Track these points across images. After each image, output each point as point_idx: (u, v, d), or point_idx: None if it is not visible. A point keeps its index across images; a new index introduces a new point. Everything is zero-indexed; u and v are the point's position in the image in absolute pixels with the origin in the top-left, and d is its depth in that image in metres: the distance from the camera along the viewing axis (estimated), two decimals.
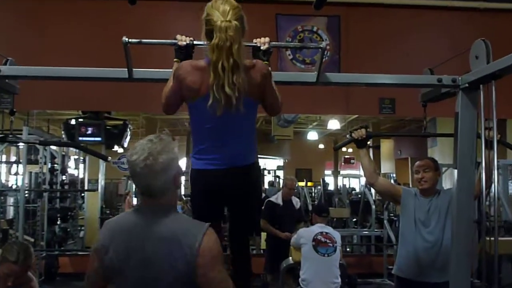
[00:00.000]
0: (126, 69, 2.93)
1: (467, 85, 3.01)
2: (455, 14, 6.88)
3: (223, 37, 2.36)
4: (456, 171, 3.10)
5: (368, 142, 3.96)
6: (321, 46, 2.84)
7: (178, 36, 2.69)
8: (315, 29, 7.15)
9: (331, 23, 7.19)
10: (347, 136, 14.26)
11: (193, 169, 2.64)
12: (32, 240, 7.47)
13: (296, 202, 6.98)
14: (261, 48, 2.69)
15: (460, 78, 3.05)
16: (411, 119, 13.42)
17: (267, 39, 2.72)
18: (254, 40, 2.73)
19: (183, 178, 6.77)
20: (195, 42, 2.68)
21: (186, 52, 2.68)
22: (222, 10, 2.43)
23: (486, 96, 2.89)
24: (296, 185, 7.27)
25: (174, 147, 2.10)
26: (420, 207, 3.92)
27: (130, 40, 2.74)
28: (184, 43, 2.66)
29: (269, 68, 2.64)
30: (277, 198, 6.94)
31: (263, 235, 8.20)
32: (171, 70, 2.78)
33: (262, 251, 8.30)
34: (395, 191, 4.08)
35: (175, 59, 2.70)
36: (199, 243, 1.97)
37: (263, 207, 6.81)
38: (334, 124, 13.99)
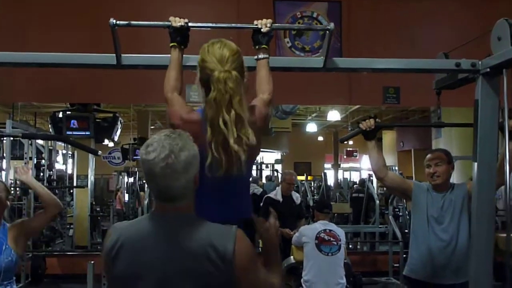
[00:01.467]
0: (114, 55, 2.62)
1: (488, 69, 2.71)
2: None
3: (222, 90, 2.07)
4: (475, 164, 2.82)
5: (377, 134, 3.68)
6: (329, 27, 2.53)
7: (171, 18, 2.41)
8: (315, 15, 6.92)
9: (332, 9, 6.94)
10: (349, 129, 14.05)
11: None
12: None
13: (297, 197, 6.74)
14: (262, 30, 2.42)
15: (480, 62, 2.76)
16: (414, 109, 13.21)
17: (269, 20, 2.44)
18: (255, 22, 2.45)
19: None
20: (190, 24, 2.40)
21: (182, 35, 2.42)
22: (219, 56, 2.15)
23: (510, 81, 2.61)
24: (296, 179, 6.97)
25: (193, 143, 1.84)
26: (433, 203, 3.65)
27: (118, 22, 2.45)
28: (179, 24, 2.39)
29: (266, 57, 2.44)
30: (276, 194, 6.73)
31: None
32: (163, 55, 2.51)
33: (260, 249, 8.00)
34: (406, 186, 3.79)
35: (171, 44, 2.43)
36: (232, 249, 1.75)
37: (261, 204, 6.62)
38: (334, 115, 13.69)
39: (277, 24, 2.46)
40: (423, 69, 2.89)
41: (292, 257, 5.58)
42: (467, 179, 3.68)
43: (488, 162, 2.77)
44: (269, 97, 2.39)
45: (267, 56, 2.45)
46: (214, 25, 2.59)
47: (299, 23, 7.01)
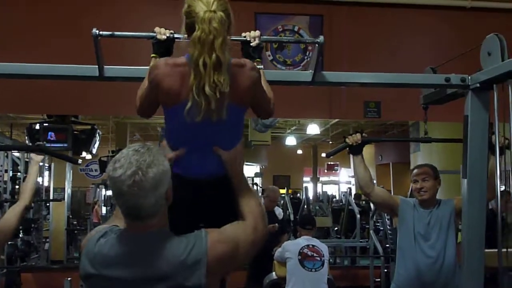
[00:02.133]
0: (97, 66, 2.53)
1: (478, 85, 2.70)
2: (443, 13, 6.64)
3: (206, 29, 1.97)
4: (465, 181, 2.78)
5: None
6: (318, 40, 2.48)
7: (157, 29, 2.32)
8: (296, 28, 6.87)
9: (314, 22, 6.90)
10: (329, 142, 14.04)
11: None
12: None
13: (279, 213, 6.68)
14: (251, 44, 2.34)
15: (470, 78, 2.73)
16: (393, 123, 13.25)
17: (257, 32, 2.36)
18: (243, 34, 2.38)
19: None
20: (176, 36, 2.32)
21: (165, 47, 2.32)
22: (205, 0, 2.06)
23: (500, 97, 2.58)
24: (279, 197, 6.91)
25: (164, 158, 1.76)
26: (419, 220, 3.60)
27: (101, 32, 2.36)
28: (164, 36, 2.30)
29: (261, 68, 2.29)
30: None
31: None
32: (147, 67, 2.41)
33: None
34: (392, 202, 3.74)
35: (152, 55, 2.33)
36: (205, 263, 1.69)
37: None
38: (313, 128, 13.67)
39: (265, 37, 2.39)
40: (412, 84, 2.84)
41: (274, 273, 5.49)
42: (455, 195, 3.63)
43: (478, 178, 2.74)
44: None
45: (261, 67, 2.36)
46: None
47: (280, 36, 6.98)
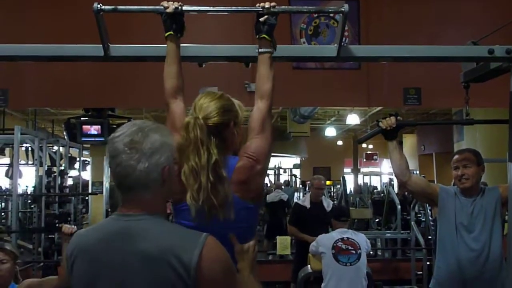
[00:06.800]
0: (101, 45, 2.34)
1: None
2: None
3: (189, 137, 1.89)
4: (511, 164, 2.50)
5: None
6: (343, 9, 2.23)
7: (165, 3, 2.14)
8: (332, 14, 6.62)
9: (350, 8, 6.63)
10: (368, 130, 13.69)
11: None
12: (30, 246, 6.91)
13: (328, 204, 6.36)
14: (260, 19, 2.15)
15: None
16: (435, 112, 12.85)
17: (272, 3, 2.14)
18: (257, 4, 2.15)
19: None
20: (185, 8, 2.12)
21: (177, 21, 2.16)
22: (199, 105, 1.98)
23: None
24: (324, 184, 6.64)
25: (171, 134, 1.66)
26: (461, 209, 3.30)
27: (103, 7, 2.17)
28: (173, 7, 2.13)
29: (268, 52, 2.13)
30: (305, 201, 6.47)
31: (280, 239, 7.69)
32: (156, 45, 2.23)
33: (280, 257, 7.69)
34: (431, 190, 3.44)
35: (166, 34, 2.17)
36: (197, 258, 1.48)
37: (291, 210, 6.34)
38: (353, 119, 13.36)
39: (283, 7, 2.15)
40: (450, 57, 2.54)
41: (309, 266, 5.27)
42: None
43: None
44: (267, 103, 2.09)
45: (268, 50, 2.14)
46: (210, 8, 2.29)
47: (315, 22, 6.76)
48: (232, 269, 1.62)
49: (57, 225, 7.62)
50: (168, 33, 2.18)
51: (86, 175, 11.36)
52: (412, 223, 7.37)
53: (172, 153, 1.62)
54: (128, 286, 1.51)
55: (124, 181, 1.56)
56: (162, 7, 2.14)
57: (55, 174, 8.32)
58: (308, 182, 10.78)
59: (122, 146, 1.54)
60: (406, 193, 9.31)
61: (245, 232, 1.98)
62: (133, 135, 1.55)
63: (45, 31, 5.96)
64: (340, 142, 19.99)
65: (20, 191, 9.34)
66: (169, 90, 2.16)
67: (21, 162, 8.80)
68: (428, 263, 6.62)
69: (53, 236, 7.92)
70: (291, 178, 15.27)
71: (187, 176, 1.86)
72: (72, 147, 8.67)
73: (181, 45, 2.21)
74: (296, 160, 18.39)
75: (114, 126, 9.36)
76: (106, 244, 1.56)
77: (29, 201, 9.96)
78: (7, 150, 11.21)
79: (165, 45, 2.22)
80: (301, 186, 14.81)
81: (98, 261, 1.55)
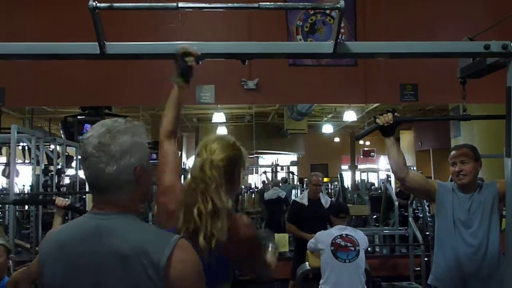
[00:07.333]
0: (97, 43, 2.32)
1: None
2: None
3: (197, 178, 1.96)
4: (509, 160, 2.49)
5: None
6: (339, 6, 2.22)
7: (189, 48, 2.19)
8: (327, 10, 6.62)
9: (346, 4, 6.63)
10: (365, 126, 13.69)
11: None
12: (28, 245, 6.88)
13: (326, 201, 6.37)
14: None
15: None
16: (432, 108, 12.87)
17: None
18: None
19: None
20: (181, 5, 2.11)
21: (190, 72, 2.23)
22: (206, 146, 2.05)
23: None
24: (322, 180, 6.65)
25: (143, 133, 1.62)
26: (459, 205, 3.31)
27: (98, 4, 2.15)
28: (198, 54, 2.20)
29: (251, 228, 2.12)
30: (303, 198, 6.45)
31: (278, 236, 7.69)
32: (153, 43, 2.21)
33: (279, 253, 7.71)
34: (429, 186, 3.43)
35: (177, 80, 2.23)
36: (166, 257, 1.46)
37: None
38: (350, 115, 13.36)
39: (276, 3, 2.13)
40: (446, 53, 2.53)
41: (307, 263, 5.26)
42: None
43: None
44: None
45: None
46: (207, 5, 2.26)
47: (311, 19, 6.77)
48: (202, 274, 1.59)
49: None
50: (180, 79, 2.20)
51: (83, 173, 11.34)
52: (410, 219, 7.36)
53: (145, 152, 1.60)
54: (101, 285, 1.49)
55: (95, 183, 1.56)
56: (178, 49, 2.16)
57: (52, 173, 8.28)
58: (306, 179, 10.75)
59: (91, 149, 1.52)
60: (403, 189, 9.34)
61: (219, 276, 2.01)
62: (101, 137, 1.53)
63: (41, 29, 5.95)
64: (337, 139, 19.97)
65: (17, 190, 9.29)
66: (164, 131, 2.19)
67: (17, 161, 8.78)
68: (426, 259, 6.61)
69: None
70: (289, 175, 15.25)
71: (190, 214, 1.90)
72: (69, 146, 8.61)
73: (179, 42, 2.20)
74: (294, 157, 18.36)
75: None
76: (79, 243, 1.54)
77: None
78: (3, 149, 11.16)
79: (161, 43, 2.21)
80: (298, 183, 14.79)
81: (71, 261, 1.53)
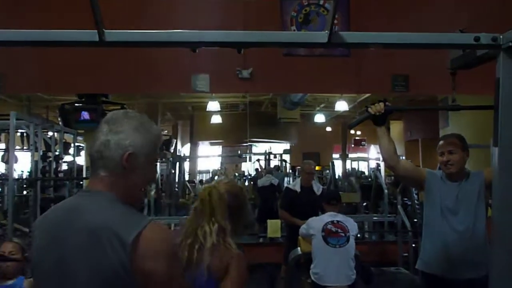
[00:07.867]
0: (96, 30, 2.34)
1: (511, 44, 2.47)
2: None
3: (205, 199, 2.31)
4: (496, 149, 2.57)
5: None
6: None
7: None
8: (321, 2, 6.68)
9: None
10: (357, 116, 13.79)
11: None
12: (27, 229, 6.95)
13: (318, 188, 6.48)
14: None
15: (501, 37, 2.51)
16: (423, 99, 12.96)
17: None
18: None
19: None
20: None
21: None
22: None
23: None
24: (314, 168, 6.75)
25: (156, 131, 1.71)
26: (447, 193, 3.41)
27: None
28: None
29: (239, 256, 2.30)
30: (295, 185, 6.57)
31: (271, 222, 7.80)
32: (156, 31, 2.25)
33: (270, 239, 7.83)
34: (418, 174, 3.54)
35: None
36: (135, 235, 1.47)
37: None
38: (342, 105, 13.46)
39: None
40: (436, 44, 2.61)
41: (299, 248, 5.36)
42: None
43: (511, 146, 2.53)
44: None
45: None
46: None
47: (305, 10, 6.81)
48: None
49: None
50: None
51: (81, 160, 11.35)
52: (399, 206, 7.49)
53: (148, 145, 1.65)
54: (67, 260, 1.52)
55: (91, 151, 1.63)
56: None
57: (50, 159, 8.37)
58: (298, 167, 10.83)
59: (101, 125, 1.64)
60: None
61: None
62: (117, 116, 1.66)
63: (40, 18, 5.98)
64: (329, 128, 20.09)
65: (15, 175, 9.36)
66: None
67: (16, 148, 8.85)
68: (414, 245, 6.75)
69: None
70: (281, 163, 15.35)
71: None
72: (67, 133, 8.68)
73: (174, 30, 2.21)
74: (286, 145, 18.46)
75: (108, 112, 9.40)
76: (57, 218, 1.61)
77: (25, 185, 9.99)
78: (2, 136, 11.19)
79: (161, 31, 2.24)
80: (290, 171, 14.90)
81: (47, 235, 1.59)
